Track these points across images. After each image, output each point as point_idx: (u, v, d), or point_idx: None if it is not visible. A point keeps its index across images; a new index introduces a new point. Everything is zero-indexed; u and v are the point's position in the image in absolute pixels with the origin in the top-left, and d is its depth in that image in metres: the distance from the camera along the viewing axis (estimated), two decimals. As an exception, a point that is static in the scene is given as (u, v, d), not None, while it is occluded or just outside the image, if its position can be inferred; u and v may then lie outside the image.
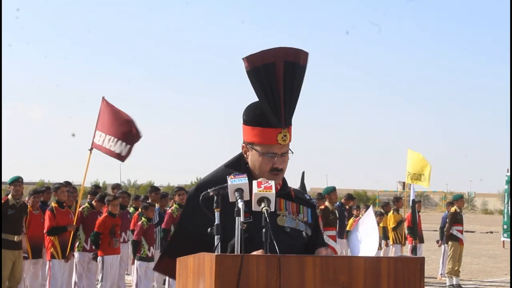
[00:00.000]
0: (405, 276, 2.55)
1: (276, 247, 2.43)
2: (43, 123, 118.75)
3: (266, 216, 2.55)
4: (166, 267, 3.03)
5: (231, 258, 2.41)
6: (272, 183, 2.68)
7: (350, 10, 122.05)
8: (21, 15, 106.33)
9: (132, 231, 11.40)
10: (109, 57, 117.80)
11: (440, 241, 15.16)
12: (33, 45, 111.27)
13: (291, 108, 2.92)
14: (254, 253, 2.54)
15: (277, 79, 2.88)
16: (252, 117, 2.93)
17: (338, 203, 13.92)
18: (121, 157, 10.57)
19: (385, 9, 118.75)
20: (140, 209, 11.66)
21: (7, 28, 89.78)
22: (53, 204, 10.08)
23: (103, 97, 10.87)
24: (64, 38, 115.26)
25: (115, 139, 10.55)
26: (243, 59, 2.92)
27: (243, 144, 3.01)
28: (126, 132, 10.58)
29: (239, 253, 2.53)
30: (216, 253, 2.46)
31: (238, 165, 3.00)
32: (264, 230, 2.55)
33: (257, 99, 2.98)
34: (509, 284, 14.58)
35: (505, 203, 22.49)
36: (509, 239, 21.37)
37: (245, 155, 3.02)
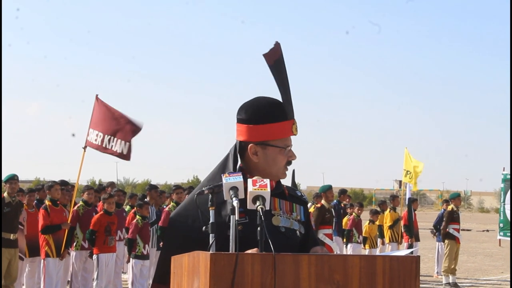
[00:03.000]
0: (400, 274, 2.54)
1: (271, 246, 2.41)
2: (40, 120, 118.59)
3: (261, 214, 2.54)
4: None
5: (226, 256, 2.40)
6: (267, 181, 2.66)
7: (350, 10, 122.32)
8: (21, 15, 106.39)
9: (128, 229, 11.39)
10: (109, 56, 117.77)
11: (435, 235, 15.32)
12: (33, 45, 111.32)
13: (291, 99, 3.01)
14: (249, 251, 2.53)
15: (284, 72, 2.99)
16: (266, 114, 2.92)
17: (335, 201, 13.93)
18: (124, 156, 10.55)
19: (385, 9, 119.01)
20: (135, 208, 11.66)
21: (7, 28, 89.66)
22: (47, 202, 10.05)
23: (96, 95, 10.88)
24: (64, 38, 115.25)
25: (115, 139, 10.54)
26: (264, 55, 2.96)
27: (251, 145, 2.94)
28: (122, 129, 10.57)
29: (234, 251, 2.52)
30: (211, 252, 2.45)
31: (231, 169, 2.95)
32: (259, 228, 2.54)
33: (253, 96, 3.01)
34: (504, 282, 14.61)
35: (501, 201, 22.57)
36: (505, 237, 21.47)
37: (253, 156, 2.95)
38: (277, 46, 2.98)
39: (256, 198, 2.59)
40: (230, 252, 2.57)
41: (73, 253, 10.65)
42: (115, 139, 10.53)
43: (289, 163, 2.96)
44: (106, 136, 10.54)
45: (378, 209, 15.98)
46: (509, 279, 13.63)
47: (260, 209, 2.55)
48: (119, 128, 10.60)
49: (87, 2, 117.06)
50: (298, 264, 2.45)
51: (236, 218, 2.55)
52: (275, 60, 2.97)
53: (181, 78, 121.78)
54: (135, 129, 10.63)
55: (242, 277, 2.38)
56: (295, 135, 2.97)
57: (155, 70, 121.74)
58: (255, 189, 2.60)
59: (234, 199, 2.58)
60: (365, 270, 2.51)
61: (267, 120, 2.92)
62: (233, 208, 2.56)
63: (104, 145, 10.54)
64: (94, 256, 10.35)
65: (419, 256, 2.60)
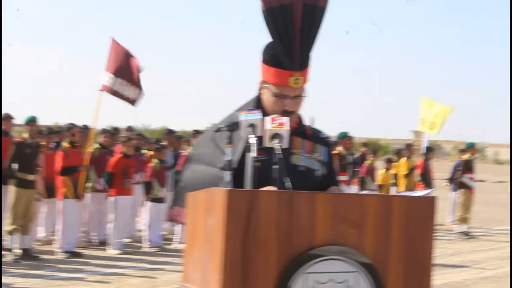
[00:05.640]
0: (416, 215, 2.54)
1: (288, 183, 2.41)
2: (60, 65, 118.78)
3: (279, 152, 2.53)
4: (177, 214, 3.05)
5: (242, 193, 2.40)
6: (286, 119, 2.64)
7: (350, 10, 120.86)
8: (21, 15, 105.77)
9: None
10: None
11: (448, 181, 15.33)
12: (33, 45, 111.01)
13: (307, 51, 2.86)
14: (265, 188, 2.54)
15: (293, 21, 2.81)
16: (269, 56, 2.90)
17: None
18: (132, 102, 10.64)
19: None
20: (151, 151, 11.73)
21: (7, 28, 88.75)
22: (65, 144, 10.12)
23: (112, 38, 10.82)
24: (64, 38, 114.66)
25: (127, 83, 10.58)
26: None
27: (260, 82, 2.97)
28: (135, 76, 10.62)
29: (250, 188, 2.53)
30: (227, 188, 2.45)
31: (251, 106, 2.98)
32: (276, 166, 2.53)
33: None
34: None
35: (518, 153, 22.46)
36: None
37: (261, 92, 2.98)
38: None
39: (273, 136, 2.58)
40: (246, 189, 2.58)
41: (88, 195, 10.78)
42: (128, 84, 10.60)
43: (285, 112, 2.87)
44: (117, 79, 10.60)
45: (394, 157, 15.94)
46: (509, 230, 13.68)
47: (277, 146, 2.54)
48: (134, 74, 10.65)
49: (87, 2, 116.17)
50: (314, 202, 2.45)
51: (253, 155, 2.54)
52: (271, 7, 2.81)
53: (200, 24, 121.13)
54: (138, 74, 10.73)
55: (258, 214, 2.39)
56: (292, 87, 2.86)
57: (170, 17, 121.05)
58: (273, 127, 2.59)
59: (251, 136, 2.57)
60: (381, 209, 2.51)
61: (269, 62, 2.90)
62: (249, 145, 2.56)
63: (114, 88, 10.60)
64: (112, 199, 10.46)
65: (435, 197, 2.59)
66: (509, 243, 13.13)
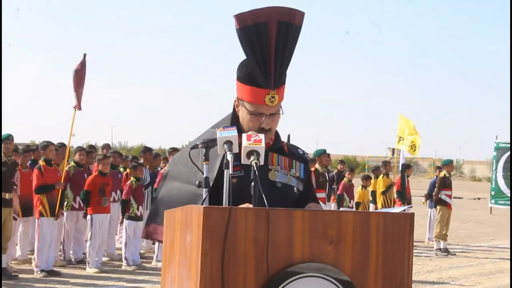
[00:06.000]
0: (394, 231, 2.54)
1: (265, 200, 2.40)
2: (36, 83, 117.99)
3: (255, 169, 2.52)
4: (153, 231, 3.03)
5: (219, 210, 2.38)
6: (262, 136, 2.64)
7: (350, 10, 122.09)
8: (21, 15, 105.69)
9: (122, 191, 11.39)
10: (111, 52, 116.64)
11: (425, 196, 15.46)
12: (33, 45, 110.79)
13: (282, 69, 2.85)
14: (243, 205, 2.52)
15: (268, 40, 2.80)
16: (244, 74, 2.88)
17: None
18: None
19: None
20: (128, 169, 11.66)
21: (7, 28, 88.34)
22: (41, 162, 10.03)
23: (84, 54, 10.89)
24: (64, 38, 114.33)
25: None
26: (233, 16, 2.83)
27: (236, 99, 2.96)
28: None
29: (227, 205, 2.51)
30: (204, 206, 2.43)
31: (227, 122, 2.97)
32: (253, 183, 2.52)
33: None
34: (495, 249, 14.76)
35: (493, 169, 22.61)
36: (496, 205, 21.56)
37: (236, 109, 2.98)
38: (251, 12, 2.82)
39: (250, 153, 2.57)
40: (223, 206, 2.56)
41: (64, 213, 10.67)
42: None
43: (261, 129, 2.86)
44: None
45: (371, 174, 16.00)
46: (499, 246, 13.75)
47: (254, 163, 2.53)
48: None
49: (87, 3, 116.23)
50: (292, 219, 2.44)
51: (230, 172, 2.53)
52: (245, 26, 2.80)
53: (178, 41, 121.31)
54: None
55: (235, 231, 2.37)
56: (268, 105, 2.86)
57: (152, 37, 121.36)
58: (249, 144, 2.58)
59: (228, 153, 2.57)
60: (359, 226, 2.50)
61: (243, 80, 2.89)
62: (227, 162, 2.55)
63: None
64: (88, 217, 10.36)
65: (413, 213, 2.60)
66: (488, 259, 13.21)
